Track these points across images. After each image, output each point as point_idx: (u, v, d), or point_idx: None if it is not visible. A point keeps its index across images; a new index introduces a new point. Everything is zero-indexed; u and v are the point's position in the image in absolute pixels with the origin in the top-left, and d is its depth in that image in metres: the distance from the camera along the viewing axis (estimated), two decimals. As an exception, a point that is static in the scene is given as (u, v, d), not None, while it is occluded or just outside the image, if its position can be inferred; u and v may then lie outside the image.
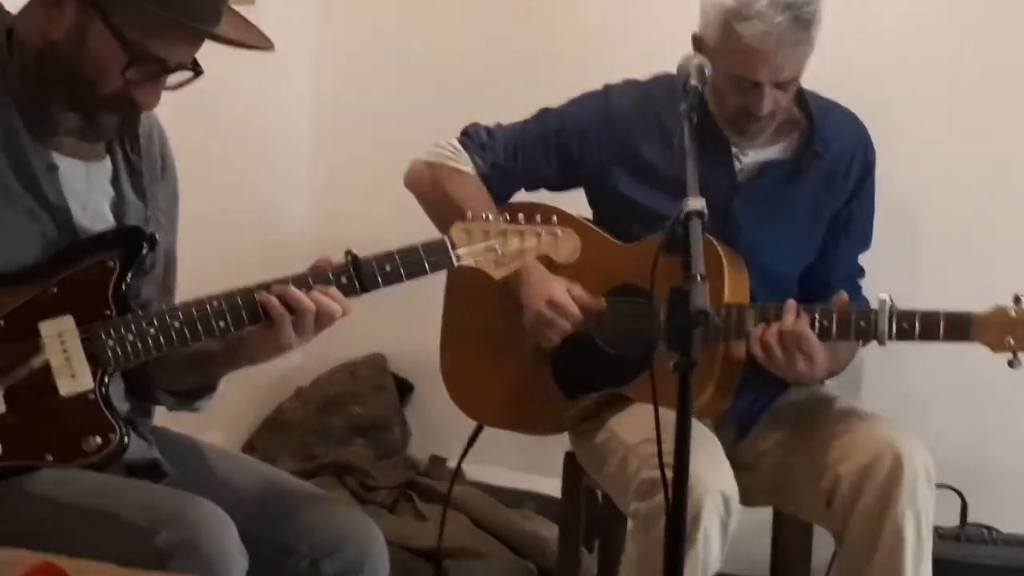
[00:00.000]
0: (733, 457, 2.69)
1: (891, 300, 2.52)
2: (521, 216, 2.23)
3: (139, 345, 2.10)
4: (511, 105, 2.92)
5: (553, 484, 3.11)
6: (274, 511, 2.25)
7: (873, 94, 3.08)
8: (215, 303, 2.10)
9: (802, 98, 2.77)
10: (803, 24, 2.56)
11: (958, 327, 2.49)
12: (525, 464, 3.63)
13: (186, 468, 2.27)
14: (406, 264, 2.15)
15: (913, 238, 3.38)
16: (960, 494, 3.21)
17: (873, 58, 3.34)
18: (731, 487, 2.51)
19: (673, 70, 2.38)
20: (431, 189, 2.84)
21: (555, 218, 2.25)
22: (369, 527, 2.30)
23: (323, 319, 2.11)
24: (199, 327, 2.10)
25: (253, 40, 2.18)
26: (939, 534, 3.03)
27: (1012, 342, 2.45)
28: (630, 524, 2.56)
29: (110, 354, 2.09)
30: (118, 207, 2.23)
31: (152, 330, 2.09)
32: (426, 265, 2.17)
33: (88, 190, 2.19)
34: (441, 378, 2.94)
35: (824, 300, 2.62)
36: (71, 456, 2.09)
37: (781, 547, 3.05)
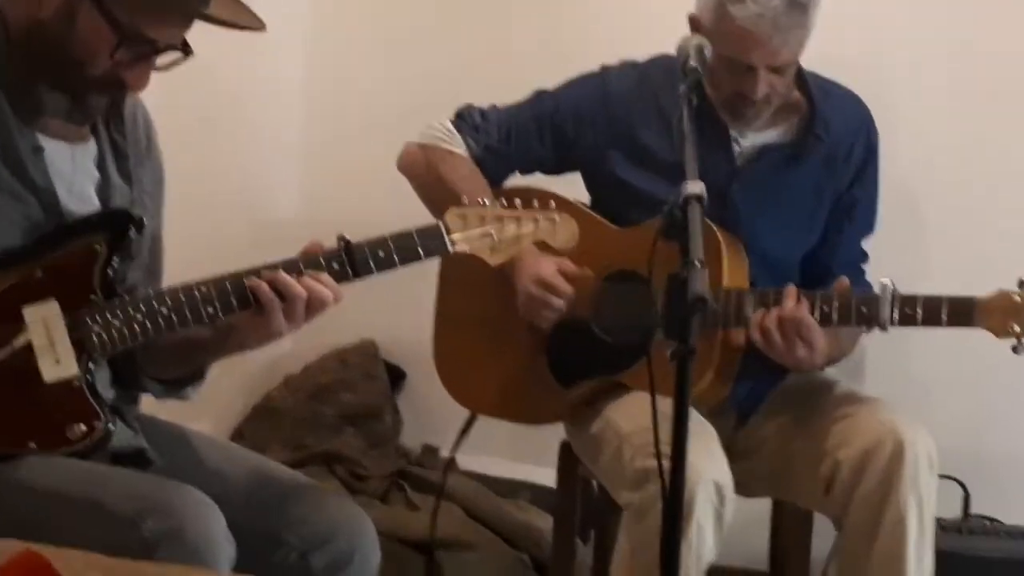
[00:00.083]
0: (732, 445, 2.70)
1: (893, 285, 2.53)
2: (518, 201, 2.23)
3: (125, 331, 2.10)
4: (506, 87, 2.92)
5: (548, 474, 3.12)
6: (263, 501, 2.25)
7: (875, 74, 3.09)
8: (203, 288, 2.10)
9: (803, 80, 2.77)
10: (799, 7, 2.55)
11: (961, 312, 2.50)
12: (519, 454, 3.63)
13: (173, 457, 2.27)
14: (400, 249, 2.15)
15: (917, 222, 3.38)
16: (963, 485, 3.22)
17: (875, 38, 3.34)
18: (725, 476, 2.51)
19: (673, 51, 2.38)
20: (425, 172, 2.84)
21: (552, 203, 2.25)
22: (360, 518, 2.30)
23: (314, 306, 2.11)
24: (187, 313, 2.10)
25: (244, 20, 2.18)
26: (941, 526, 3.04)
27: (1016, 327, 2.46)
28: (623, 515, 2.57)
29: (96, 340, 2.09)
30: (103, 190, 2.23)
31: (139, 316, 2.10)
32: (420, 251, 2.17)
33: (73, 172, 2.19)
34: (434, 366, 2.94)
35: (826, 286, 2.63)
36: (55, 444, 2.09)
37: (780, 539, 3.06)
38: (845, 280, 2.60)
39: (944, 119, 3.34)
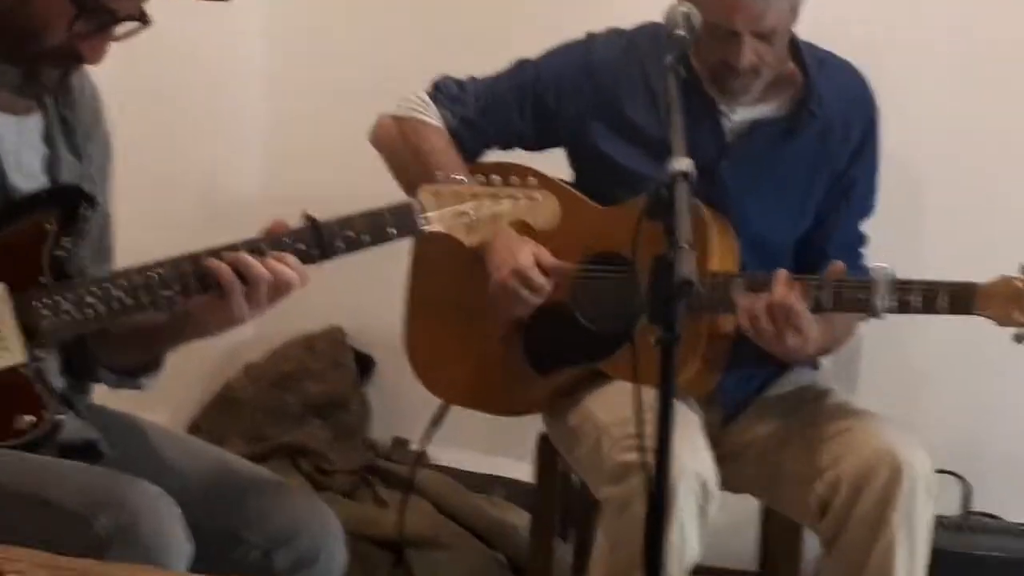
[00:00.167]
0: (719, 445, 2.70)
1: (890, 270, 2.53)
2: (495, 178, 2.23)
3: (77, 316, 2.08)
4: (486, 55, 2.91)
5: (525, 468, 3.13)
6: (222, 497, 2.25)
7: (876, 54, 3.08)
8: (160, 270, 2.09)
9: (797, 51, 2.77)
10: None
11: (961, 299, 2.50)
12: (495, 447, 3.64)
13: (126, 450, 2.26)
14: (370, 229, 2.14)
15: (917, 204, 3.39)
16: (964, 480, 3.23)
17: (873, 11, 3.34)
18: (708, 469, 2.52)
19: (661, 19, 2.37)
20: (399, 147, 2.84)
21: (533, 180, 2.25)
22: (325, 515, 2.30)
23: (279, 289, 2.10)
24: (142, 296, 2.09)
25: None
26: (940, 523, 3.04)
27: (1019, 315, 2.46)
28: (602, 511, 2.57)
29: (45, 325, 2.08)
30: (52, 165, 2.22)
31: (91, 299, 2.08)
32: (392, 230, 2.16)
33: (19, 146, 2.18)
34: (404, 353, 2.94)
35: (821, 271, 2.62)
36: (0, 435, 2.08)
37: (770, 538, 3.07)
38: (839, 264, 2.60)
39: (947, 98, 3.35)
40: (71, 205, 2.13)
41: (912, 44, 3.34)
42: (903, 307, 2.52)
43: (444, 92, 2.87)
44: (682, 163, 2.00)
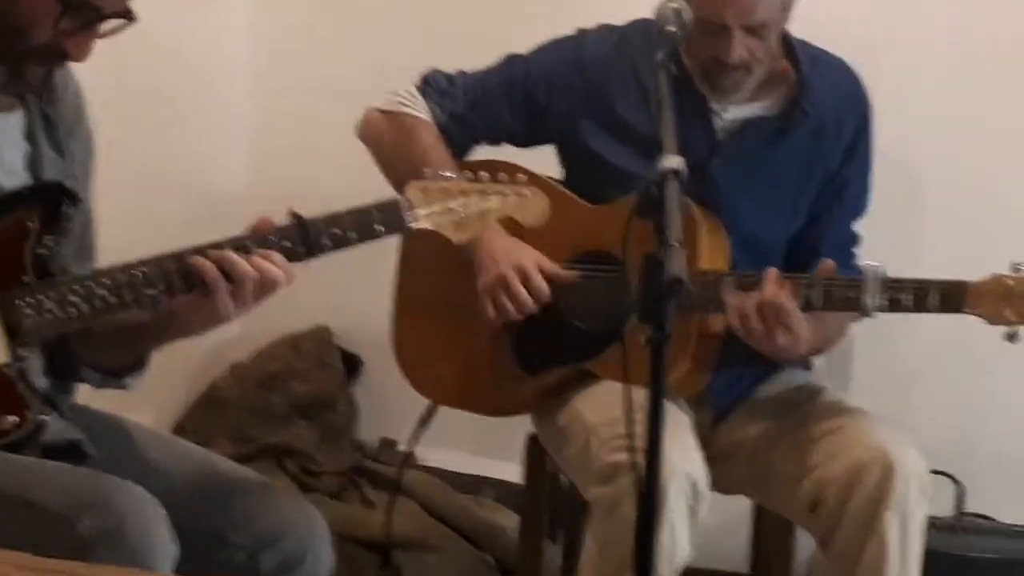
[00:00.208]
0: (709, 445, 2.70)
1: (881, 268, 2.54)
2: (484, 174, 2.23)
3: (60, 315, 2.08)
4: (474, 51, 2.91)
5: (514, 469, 3.13)
6: (208, 498, 2.25)
7: (872, 52, 3.08)
8: (144, 269, 2.09)
9: (791, 49, 2.77)
10: None
11: (952, 297, 2.50)
12: (483, 447, 3.64)
13: (110, 450, 2.26)
14: (357, 226, 2.15)
15: (914, 203, 3.39)
16: (956, 481, 3.24)
17: (872, 10, 3.34)
18: (698, 470, 2.52)
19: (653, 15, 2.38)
20: (387, 141, 2.84)
21: (522, 177, 2.25)
22: (312, 516, 2.31)
23: (265, 287, 2.10)
24: (126, 295, 2.09)
25: None
26: (933, 524, 3.05)
27: (1010, 314, 2.45)
28: (591, 512, 2.57)
29: (28, 324, 2.08)
30: (34, 162, 2.22)
31: (74, 298, 2.08)
32: (379, 227, 2.16)
33: (1, 143, 2.18)
34: (392, 353, 2.94)
35: (812, 270, 2.63)
36: (-17, 436, 2.09)
37: (762, 539, 3.07)
38: (829, 262, 2.60)
39: (945, 97, 3.34)
40: (54, 203, 2.14)
41: (911, 43, 3.34)
42: (894, 305, 2.52)
43: (433, 86, 2.87)
44: (673, 161, 2.01)
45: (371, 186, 2.56)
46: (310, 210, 2.15)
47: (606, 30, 2.85)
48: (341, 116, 2.93)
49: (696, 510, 2.50)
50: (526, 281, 2.69)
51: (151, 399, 3.55)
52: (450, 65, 2.92)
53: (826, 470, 2.60)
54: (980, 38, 3.32)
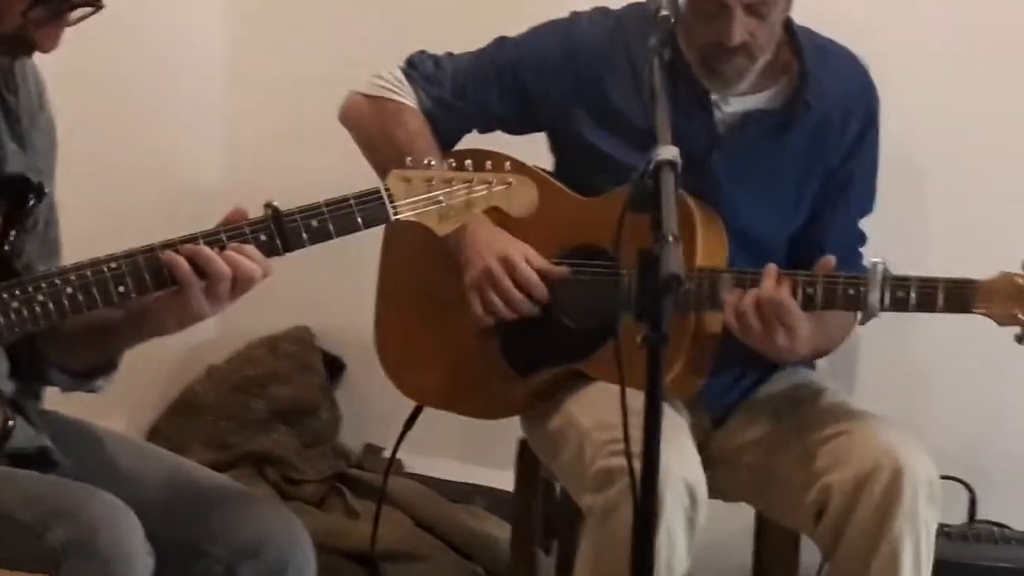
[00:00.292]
0: (707, 450, 2.70)
1: (885, 265, 2.53)
2: (469, 163, 2.23)
3: (25, 314, 2.08)
4: (461, 34, 2.91)
5: (505, 477, 3.13)
6: (183, 508, 2.25)
7: (875, 47, 3.08)
8: (113, 265, 2.08)
9: (794, 39, 2.77)
10: None
11: (959, 296, 2.50)
12: (473, 454, 3.64)
13: (80, 458, 2.26)
14: (336, 218, 2.14)
15: (916, 198, 3.40)
16: (969, 487, 3.24)
17: (875, 13, 3.35)
18: (696, 475, 2.52)
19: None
20: (370, 128, 2.83)
21: (508, 165, 2.25)
22: (293, 526, 2.30)
23: (240, 283, 2.10)
24: (95, 293, 2.08)
25: None
26: (945, 532, 3.06)
27: (1020, 314, 2.46)
28: (585, 519, 2.57)
29: (-8, 325, 2.08)
30: (-5, 155, 2.22)
31: (40, 296, 2.08)
32: (359, 219, 2.15)
33: (-41, 137, 2.18)
34: (376, 353, 2.94)
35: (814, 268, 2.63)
36: (-54, 443, 2.08)
37: (765, 550, 3.07)
38: (831, 259, 2.60)
39: (951, 83, 3.36)
40: (17, 197, 2.13)
41: (913, 37, 3.35)
42: (899, 304, 2.52)
43: (419, 70, 2.86)
44: (667, 151, 2.01)
45: (351, 179, 2.54)
46: (288, 205, 2.14)
47: (600, 14, 2.85)
48: (319, 107, 2.93)
49: (694, 518, 2.50)
50: (513, 273, 2.69)
51: (123, 404, 3.54)
52: (446, 49, 2.91)
53: (832, 476, 2.59)
54: (981, 29, 3.32)
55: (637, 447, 1.91)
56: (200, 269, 2.08)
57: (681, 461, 2.51)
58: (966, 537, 3.14)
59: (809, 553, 2.87)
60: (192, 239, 2.10)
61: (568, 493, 2.78)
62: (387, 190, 2.17)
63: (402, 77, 2.86)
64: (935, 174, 3.39)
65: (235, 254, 2.09)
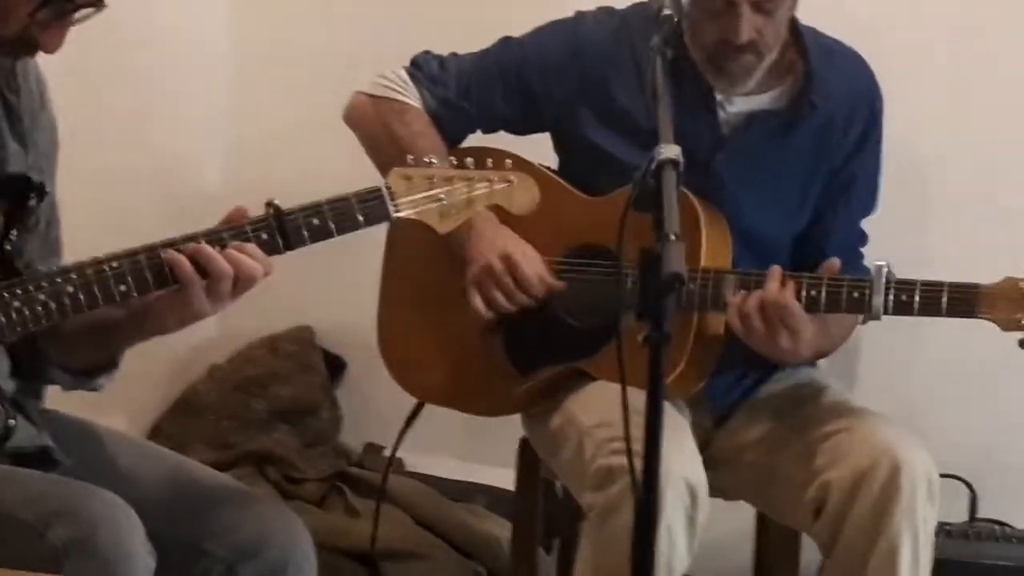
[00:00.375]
0: (708, 449, 2.71)
1: (889, 268, 2.53)
2: (470, 161, 2.22)
3: (27, 313, 2.07)
4: (465, 34, 2.90)
5: (506, 475, 3.12)
6: (185, 507, 2.25)
7: (879, 40, 3.08)
8: (114, 264, 2.08)
9: (799, 39, 2.76)
10: None
11: (963, 301, 2.50)
12: (474, 453, 3.63)
13: (82, 457, 2.25)
14: (337, 217, 2.14)
15: (921, 200, 3.39)
16: (969, 485, 3.24)
17: (878, 13, 3.34)
18: (698, 475, 2.51)
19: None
20: (375, 128, 2.83)
21: (509, 163, 2.25)
22: (294, 525, 2.30)
23: (242, 282, 2.09)
24: (96, 292, 2.08)
25: None
26: (946, 531, 3.06)
27: (1023, 319, 2.46)
28: (586, 518, 2.56)
29: (-7, 325, 2.08)
30: (-4, 154, 2.21)
31: (41, 296, 2.07)
32: (360, 217, 2.15)
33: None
34: (377, 355, 2.93)
35: (818, 270, 2.62)
36: (-53, 443, 2.08)
37: (765, 550, 3.06)
38: (835, 261, 2.60)
39: (955, 83, 3.35)
40: (18, 196, 2.13)
41: (918, 37, 3.34)
42: (902, 308, 2.52)
43: (424, 71, 2.86)
44: (670, 150, 2.00)
45: (355, 181, 2.54)
46: (289, 201, 2.14)
47: (605, 13, 2.85)
48: (322, 108, 2.93)
49: (695, 517, 2.50)
50: (514, 272, 2.68)
51: (124, 403, 3.54)
52: (444, 51, 2.91)
53: (830, 473, 2.59)
54: (989, 31, 3.32)
55: (638, 446, 1.91)
56: (201, 268, 2.08)
57: (682, 460, 2.50)
58: (967, 535, 3.14)
59: (809, 550, 2.86)
60: (193, 238, 2.10)
61: (569, 492, 2.78)
62: (388, 188, 2.16)
63: (407, 77, 2.85)
64: (940, 176, 3.38)
65: (236, 253, 2.09)
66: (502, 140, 2.88)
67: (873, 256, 2.80)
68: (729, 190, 2.74)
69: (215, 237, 2.10)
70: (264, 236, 2.12)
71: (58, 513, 1.99)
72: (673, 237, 1.89)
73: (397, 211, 2.17)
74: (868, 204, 2.88)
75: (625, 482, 2.34)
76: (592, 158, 2.78)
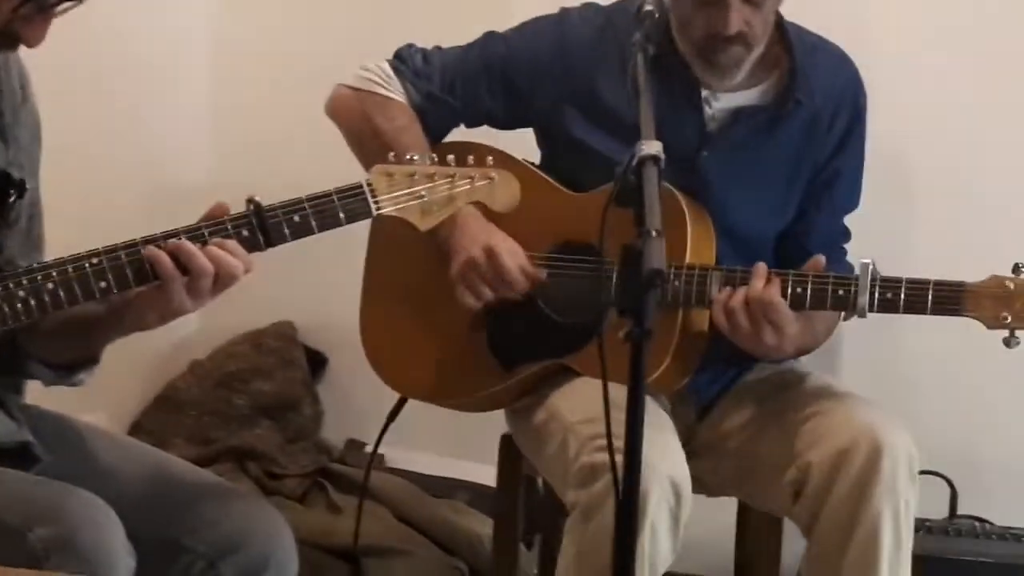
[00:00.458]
0: (692, 441, 2.71)
1: (874, 266, 2.53)
2: (451, 157, 2.22)
3: (6, 310, 2.06)
4: (449, 30, 2.89)
5: (488, 472, 3.12)
6: (164, 503, 2.24)
7: (863, 45, 3.07)
8: (95, 260, 2.07)
9: (784, 35, 2.76)
10: None
11: (948, 299, 2.50)
12: (456, 449, 3.64)
13: (62, 453, 2.25)
14: (318, 213, 2.13)
15: (905, 198, 3.40)
16: (949, 482, 3.25)
17: (865, 12, 3.35)
18: (681, 472, 2.51)
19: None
20: (357, 122, 2.82)
21: (490, 159, 2.24)
22: (275, 522, 2.30)
23: (222, 279, 2.08)
24: (76, 288, 2.07)
25: None
26: (926, 527, 3.07)
27: (1008, 317, 2.46)
28: (569, 516, 2.56)
29: (-28, 321, 2.07)
30: (-25, 151, 2.20)
31: (21, 292, 2.06)
32: (341, 214, 2.15)
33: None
34: (359, 350, 2.92)
35: (802, 266, 2.62)
36: (-75, 439, 2.07)
37: (747, 545, 3.07)
38: (820, 259, 2.60)
39: (939, 78, 3.35)
40: (-1, 193, 2.12)
41: (903, 35, 3.35)
42: (887, 306, 2.52)
43: (408, 64, 2.85)
44: (651, 146, 2.00)
45: (339, 178, 2.54)
46: (271, 197, 2.13)
47: (590, 11, 2.84)
48: (306, 105, 2.92)
49: (678, 515, 2.49)
50: (496, 261, 2.67)
51: (105, 399, 3.54)
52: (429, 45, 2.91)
53: (810, 455, 2.59)
54: (974, 29, 3.33)
55: (621, 443, 1.90)
56: (182, 265, 2.07)
57: (666, 458, 2.50)
58: (947, 532, 3.15)
59: (791, 542, 2.86)
60: (174, 234, 2.09)
61: (551, 488, 2.77)
62: (369, 185, 2.16)
63: (390, 71, 2.84)
64: (924, 174, 3.39)
65: (217, 250, 2.08)
66: (486, 134, 2.88)
67: (858, 254, 2.80)
68: (714, 187, 2.74)
69: (196, 233, 2.09)
70: (245, 233, 2.11)
71: (38, 514, 1.99)
72: (654, 233, 1.88)
73: (378, 208, 2.16)
74: (851, 200, 2.88)
75: (609, 479, 2.34)
76: (577, 154, 2.78)
